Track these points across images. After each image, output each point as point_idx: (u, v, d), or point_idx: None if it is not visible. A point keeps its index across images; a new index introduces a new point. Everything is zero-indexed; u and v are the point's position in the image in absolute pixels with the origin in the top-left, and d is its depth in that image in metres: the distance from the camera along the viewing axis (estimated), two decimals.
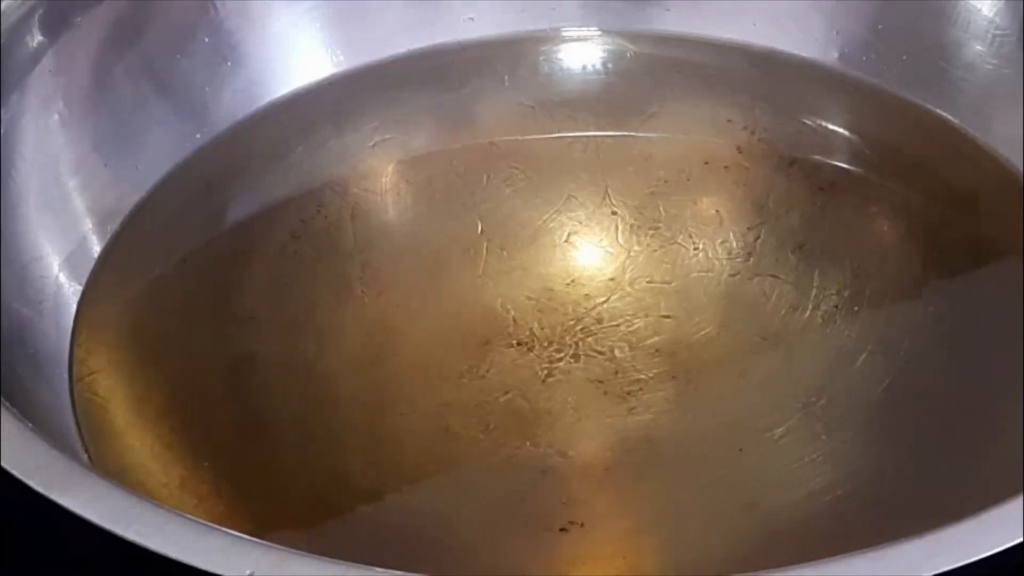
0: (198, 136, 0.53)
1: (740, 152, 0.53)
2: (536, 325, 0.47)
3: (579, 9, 0.59)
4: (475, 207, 0.51)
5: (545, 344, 0.46)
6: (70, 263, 0.48)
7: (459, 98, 0.56)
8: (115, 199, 0.50)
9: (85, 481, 0.32)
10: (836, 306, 0.47)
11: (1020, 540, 0.30)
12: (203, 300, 0.48)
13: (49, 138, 0.49)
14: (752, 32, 0.57)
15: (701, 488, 0.42)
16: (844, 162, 0.53)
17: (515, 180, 0.52)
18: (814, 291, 0.47)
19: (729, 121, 0.54)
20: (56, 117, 0.49)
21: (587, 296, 0.48)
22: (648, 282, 0.48)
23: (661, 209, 0.51)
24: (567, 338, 0.46)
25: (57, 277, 0.47)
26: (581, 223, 0.51)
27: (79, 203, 0.49)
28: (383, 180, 0.53)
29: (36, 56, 0.49)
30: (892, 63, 0.55)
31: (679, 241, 0.50)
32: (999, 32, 0.53)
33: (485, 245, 0.50)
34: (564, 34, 0.59)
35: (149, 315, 0.48)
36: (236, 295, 0.48)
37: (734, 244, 0.49)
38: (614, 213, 0.51)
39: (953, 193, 0.52)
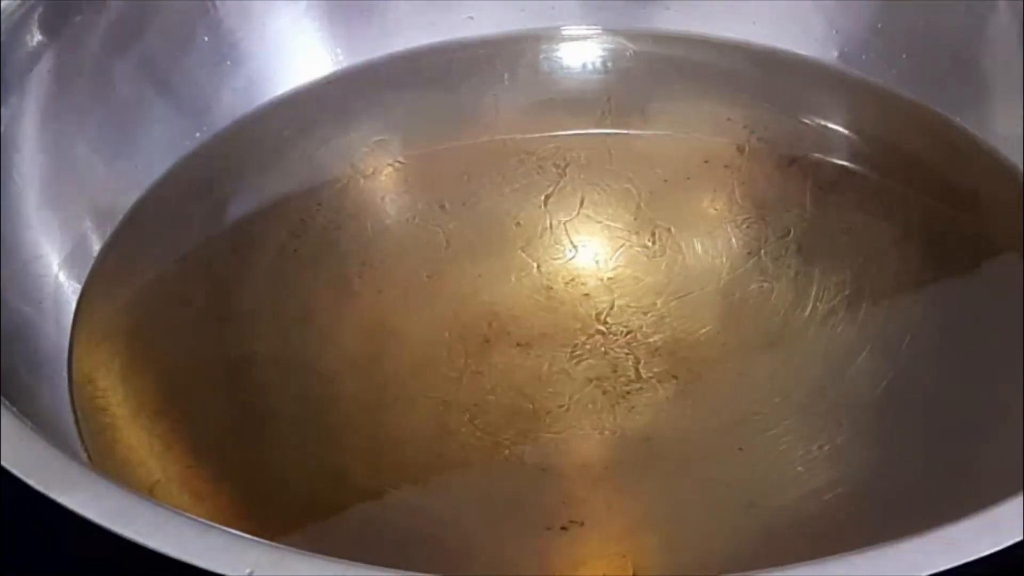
0: (198, 135, 0.53)
1: (740, 151, 0.53)
2: (536, 324, 0.47)
3: (579, 7, 0.59)
4: (474, 206, 0.51)
5: (545, 343, 0.46)
6: (70, 262, 0.48)
7: (459, 97, 0.56)
8: (114, 197, 0.50)
9: (85, 480, 0.32)
10: (836, 306, 0.47)
11: (1020, 540, 0.30)
12: (202, 299, 0.48)
13: (49, 138, 0.48)
14: (752, 31, 0.57)
15: (701, 487, 0.42)
16: (844, 161, 0.53)
17: (515, 179, 0.52)
18: (814, 291, 0.47)
19: (729, 120, 0.54)
20: (56, 116, 0.49)
21: (587, 295, 0.48)
22: (648, 281, 0.48)
23: (661, 208, 0.51)
24: (567, 337, 0.46)
25: (57, 276, 0.47)
26: (581, 222, 0.51)
27: (78, 202, 0.49)
28: (383, 179, 0.53)
29: (36, 56, 0.49)
30: (892, 62, 0.55)
31: (679, 240, 0.50)
32: (998, 31, 0.53)
33: (484, 244, 0.50)
34: (564, 33, 0.58)
35: (148, 314, 0.48)
36: (235, 293, 0.48)
37: (734, 243, 0.49)
38: (614, 212, 0.51)
39: (953, 192, 0.52)
